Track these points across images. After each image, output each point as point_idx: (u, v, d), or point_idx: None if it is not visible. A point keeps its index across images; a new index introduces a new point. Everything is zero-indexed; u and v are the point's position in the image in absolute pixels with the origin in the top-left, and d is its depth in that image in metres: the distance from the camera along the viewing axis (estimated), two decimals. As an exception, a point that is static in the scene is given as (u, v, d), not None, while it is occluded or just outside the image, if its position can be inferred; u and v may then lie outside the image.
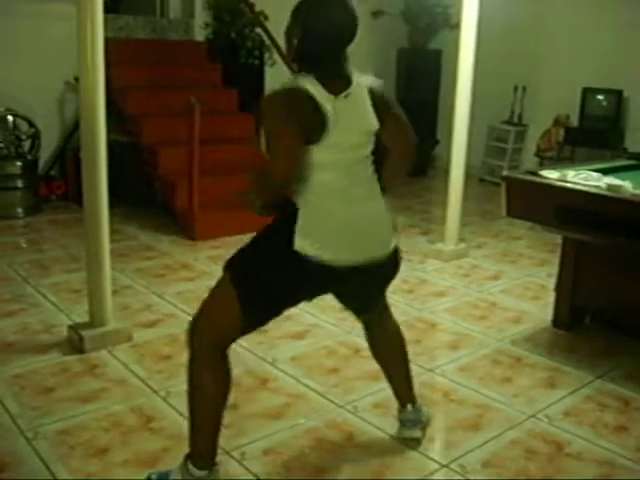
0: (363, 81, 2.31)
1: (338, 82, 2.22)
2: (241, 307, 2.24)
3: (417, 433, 2.78)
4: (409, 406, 2.77)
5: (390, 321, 2.73)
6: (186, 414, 2.37)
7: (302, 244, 2.21)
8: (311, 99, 2.14)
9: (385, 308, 2.70)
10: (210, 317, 2.31)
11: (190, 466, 2.32)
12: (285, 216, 2.27)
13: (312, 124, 2.15)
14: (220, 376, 2.29)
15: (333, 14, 2.20)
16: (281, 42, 6.19)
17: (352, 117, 2.24)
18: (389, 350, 2.76)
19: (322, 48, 2.21)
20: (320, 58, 2.22)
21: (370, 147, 2.35)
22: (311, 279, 2.29)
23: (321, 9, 2.21)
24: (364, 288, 2.48)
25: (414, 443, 2.77)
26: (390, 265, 2.47)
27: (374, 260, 2.34)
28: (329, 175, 2.25)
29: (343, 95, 2.21)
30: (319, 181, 2.24)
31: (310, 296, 2.45)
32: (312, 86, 2.16)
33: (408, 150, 2.47)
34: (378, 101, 2.33)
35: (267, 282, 2.26)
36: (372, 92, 2.33)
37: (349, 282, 2.36)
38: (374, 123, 2.32)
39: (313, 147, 2.18)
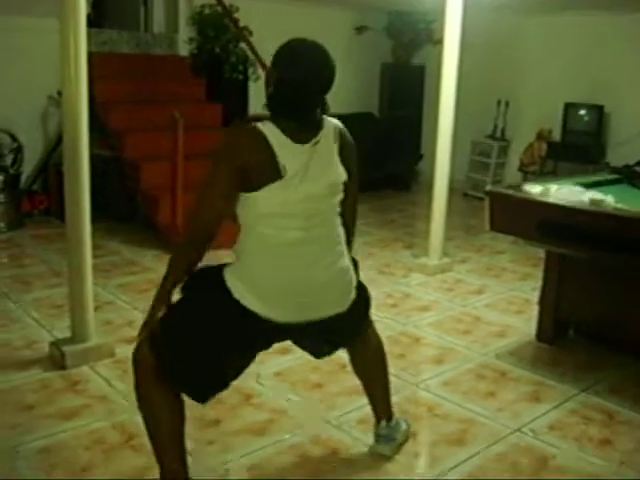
0: (332, 124, 2.27)
1: (306, 130, 2.18)
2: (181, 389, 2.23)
3: (385, 450, 2.77)
4: (383, 422, 2.77)
5: (372, 335, 2.71)
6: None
7: (241, 294, 2.18)
8: (267, 145, 2.10)
9: (368, 324, 2.68)
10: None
11: None
12: (212, 271, 2.25)
13: (263, 171, 2.11)
14: (169, 398, 2.23)
15: (309, 66, 2.14)
16: (265, 57, 6.23)
17: (316, 168, 2.19)
18: (369, 364, 2.74)
19: (294, 97, 2.16)
20: (291, 106, 2.18)
21: (336, 199, 2.30)
22: (253, 331, 2.24)
23: (298, 59, 2.16)
24: (320, 337, 2.42)
25: (406, 459, 2.76)
26: (353, 312, 2.40)
27: (325, 317, 2.31)
28: (278, 227, 2.19)
29: (311, 144, 2.18)
30: (266, 233, 2.19)
31: (259, 347, 2.38)
32: (272, 133, 2.12)
33: (352, 222, 2.47)
34: (347, 150, 2.30)
35: (202, 341, 2.20)
36: (342, 136, 2.29)
37: (299, 333, 2.32)
38: (340, 174, 2.27)
39: (260, 193, 2.13)
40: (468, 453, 2.84)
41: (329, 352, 2.61)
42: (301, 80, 2.14)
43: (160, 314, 2.23)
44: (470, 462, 2.77)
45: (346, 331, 2.50)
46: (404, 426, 2.84)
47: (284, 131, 2.13)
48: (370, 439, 2.87)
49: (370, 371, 2.76)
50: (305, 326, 2.27)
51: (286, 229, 2.20)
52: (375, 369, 2.75)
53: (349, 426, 3.01)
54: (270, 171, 2.11)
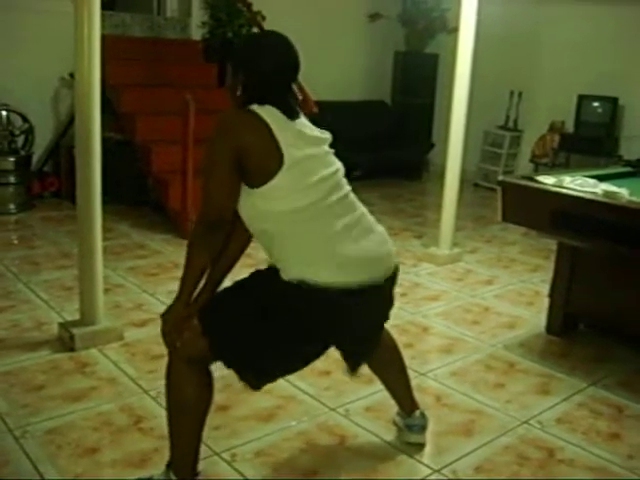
0: None
1: (289, 109, 2.16)
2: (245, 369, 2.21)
3: (421, 438, 2.77)
4: (417, 412, 2.76)
5: (386, 334, 2.65)
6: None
7: (304, 274, 2.08)
8: (268, 128, 2.06)
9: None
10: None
11: (172, 475, 2.28)
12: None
13: (269, 155, 2.05)
14: (200, 390, 2.22)
15: (278, 55, 2.16)
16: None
17: (313, 135, 2.19)
18: (386, 359, 2.70)
19: (268, 86, 2.14)
20: (269, 93, 2.14)
21: (337, 164, 2.24)
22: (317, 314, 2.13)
23: (266, 51, 2.16)
24: (374, 315, 2.35)
25: (413, 448, 2.75)
26: (392, 282, 2.33)
27: (387, 276, 2.24)
28: (312, 197, 2.10)
29: (300, 116, 2.19)
30: (305, 206, 2.09)
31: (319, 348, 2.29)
32: (268, 113, 2.08)
33: None
34: None
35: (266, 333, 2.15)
36: None
37: (361, 310, 2.21)
38: (326, 136, 2.25)
39: (277, 180, 2.05)
40: (475, 444, 2.83)
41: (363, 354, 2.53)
42: (273, 69, 2.13)
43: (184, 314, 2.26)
44: (477, 453, 2.77)
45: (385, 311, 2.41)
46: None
47: (277, 108, 2.11)
48: (377, 427, 2.87)
49: (389, 370, 2.73)
50: (372, 290, 2.17)
51: (317, 196, 2.11)
52: (393, 362, 2.72)
53: (356, 414, 3.01)
54: (276, 155, 2.05)
